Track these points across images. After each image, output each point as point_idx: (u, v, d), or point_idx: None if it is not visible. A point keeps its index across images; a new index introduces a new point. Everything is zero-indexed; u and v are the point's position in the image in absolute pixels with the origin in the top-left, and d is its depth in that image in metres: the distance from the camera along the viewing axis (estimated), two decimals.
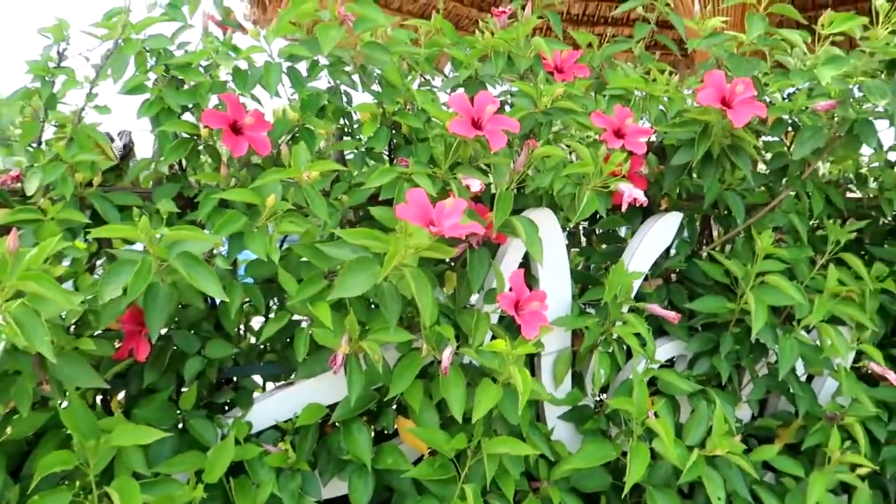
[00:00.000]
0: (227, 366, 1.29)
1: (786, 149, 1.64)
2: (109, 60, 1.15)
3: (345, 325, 1.14)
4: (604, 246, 1.71)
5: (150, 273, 0.95)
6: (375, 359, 1.13)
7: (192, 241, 1.00)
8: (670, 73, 1.74)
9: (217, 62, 1.21)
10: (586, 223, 1.76)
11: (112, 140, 1.36)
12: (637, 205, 1.23)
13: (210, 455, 1.11)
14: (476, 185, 1.19)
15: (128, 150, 1.40)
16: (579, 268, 1.83)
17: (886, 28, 1.34)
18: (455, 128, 1.15)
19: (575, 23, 5.44)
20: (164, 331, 1.21)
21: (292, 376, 1.31)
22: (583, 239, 1.79)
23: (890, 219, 1.91)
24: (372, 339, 1.15)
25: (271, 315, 1.30)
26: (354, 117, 1.50)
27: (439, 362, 1.16)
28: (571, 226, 1.75)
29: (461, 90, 1.35)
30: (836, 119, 1.51)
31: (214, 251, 1.16)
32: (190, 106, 1.25)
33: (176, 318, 1.22)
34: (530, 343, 1.17)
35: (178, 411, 1.22)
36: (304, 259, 1.17)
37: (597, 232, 1.74)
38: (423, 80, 1.67)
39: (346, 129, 1.50)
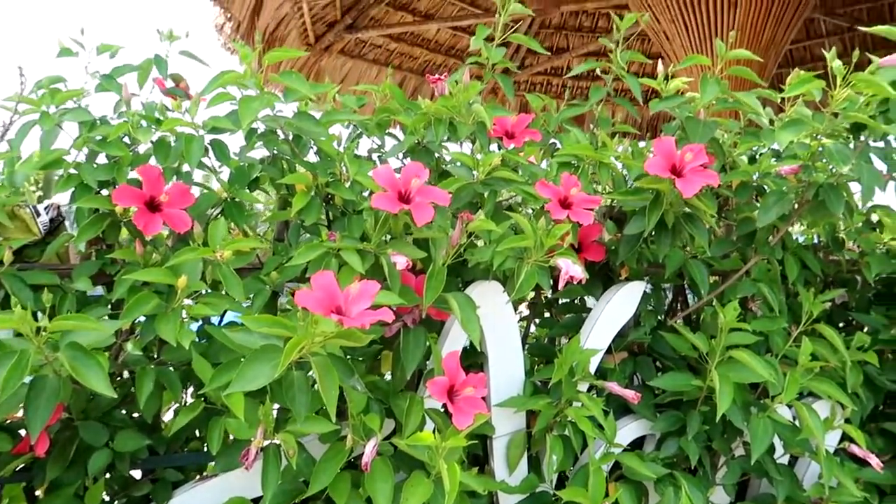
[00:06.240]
0: (142, 457, 1.20)
1: (754, 213, 1.55)
2: (17, 135, 1.11)
3: (259, 416, 1.05)
4: (566, 316, 1.62)
5: (28, 367, 0.88)
6: (290, 453, 1.04)
7: (82, 330, 0.92)
8: (635, 137, 1.68)
9: (135, 136, 1.16)
10: (550, 293, 1.68)
11: (38, 214, 1.31)
12: (575, 282, 1.15)
13: None
14: (402, 261, 1.11)
15: (56, 225, 1.34)
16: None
17: (844, 91, 1.27)
18: (378, 202, 1.09)
19: (544, 74, 5.53)
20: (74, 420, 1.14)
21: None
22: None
23: (875, 283, 1.81)
24: (289, 430, 1.06)
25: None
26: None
27: None
28: (530, 298, 1.66)
29: (386, 165, 1.29)
30: (801, 183, 1.43)
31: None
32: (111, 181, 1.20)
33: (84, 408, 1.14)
34: (461, 435, 1.08)
35: None
36: None
37: (559, 302, 1.65)
38: (375, 145, 1.62)
39: (288, 200, 1.44)
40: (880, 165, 1.50)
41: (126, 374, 1.31)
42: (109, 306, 1.22)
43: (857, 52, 1.42)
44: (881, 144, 1.63)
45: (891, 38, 1.37)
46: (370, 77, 5.36)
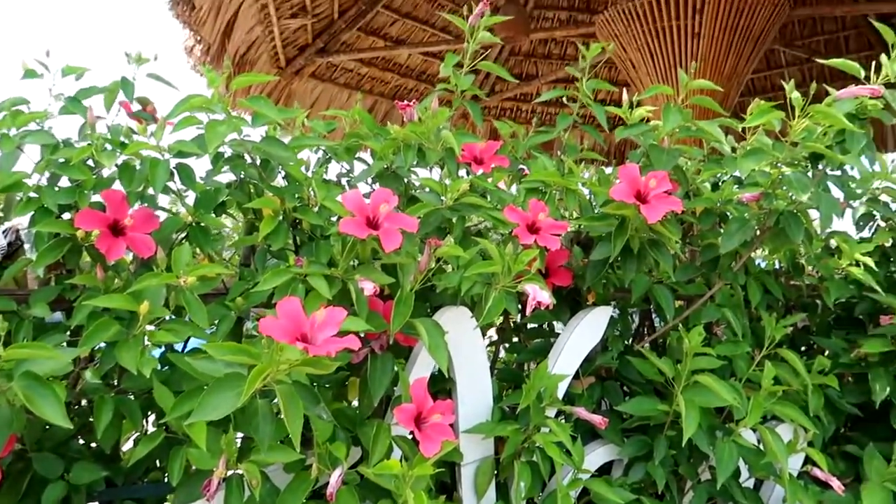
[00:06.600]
0: (99, 489, 1.16)
1: (718, 239, 1.58)
2: None
3: (222, 445, 1.03)
4: (534, 341, 1.62)
5: None
6: (253, 483, 1.02)
7: (38, 359, 0.90)
8: (601, 163, 1.71)
9: (99, 160, 1.14)
10: (518, 318, 1.68)
11: None
12: (542, 307, 1.16)
13: None
14: (370, 287, 1.11)
15: (15, 249, 1.31)
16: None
17: (803, 121, 1.31)
18: (346, 228, 1.08)
19: (514, 100, 5.60)
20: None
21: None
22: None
23: (834, 307, 1.85)
24: (252, 460, 1.04)
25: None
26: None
27: None
28: (498, 323, 1.67)
29: (354, 190, 1.30)
30: (763, 210, 1.47)
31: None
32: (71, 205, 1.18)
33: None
34: (429, 462, 1.07)
35: None
36: None
37: (527, 327, 1.66)
38: (344, 170, 1.62)
39: (256, 225, 1.42)
40: (837, 193, 1.55)
41: (84, 402, 1.27)
42: (68, 333, 1.18)
43: (814, 85, 1.47)
44: (838, 173, 1.68)
45: (846, 71, 1.43)
46: (341, 101, 5.37)
